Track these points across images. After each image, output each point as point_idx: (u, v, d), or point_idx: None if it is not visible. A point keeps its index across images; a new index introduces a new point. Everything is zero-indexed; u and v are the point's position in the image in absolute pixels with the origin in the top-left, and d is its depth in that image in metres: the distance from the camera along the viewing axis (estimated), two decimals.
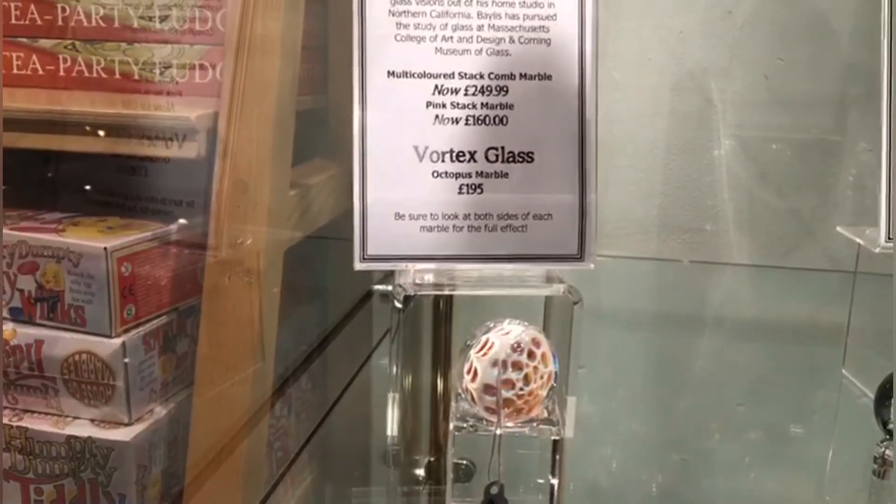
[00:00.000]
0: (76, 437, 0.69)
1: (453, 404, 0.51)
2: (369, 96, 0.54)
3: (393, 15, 0.54)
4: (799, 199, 0.95)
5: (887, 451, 0.50)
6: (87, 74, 0.74)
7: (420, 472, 0.92)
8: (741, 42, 0.93)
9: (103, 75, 0.73)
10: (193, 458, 0.73)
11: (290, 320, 0.84)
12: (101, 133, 0.72)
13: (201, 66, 0.72)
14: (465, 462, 0.75)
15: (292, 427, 0.93)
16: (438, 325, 0.89)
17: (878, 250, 0.58)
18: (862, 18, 0.90)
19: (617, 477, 0.96)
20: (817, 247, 0.95)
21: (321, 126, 0.93)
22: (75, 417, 0.71)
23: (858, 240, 0.64)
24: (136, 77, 0.72)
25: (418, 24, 0.54)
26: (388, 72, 0.54)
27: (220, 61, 0.69)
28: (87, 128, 0.71)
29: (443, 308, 0.74)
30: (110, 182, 0.82)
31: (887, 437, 0.51)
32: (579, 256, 0.56)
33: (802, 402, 0.95)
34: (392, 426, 0.53)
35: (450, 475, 0.48)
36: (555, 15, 0.55)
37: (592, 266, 0.55)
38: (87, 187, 0.83)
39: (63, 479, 0.70)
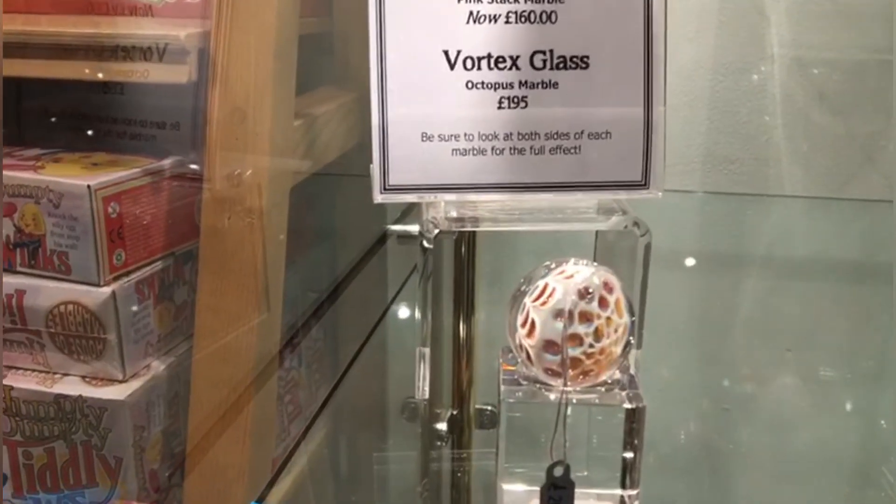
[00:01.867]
0: (66, 396, 0.64)
1: (503, 363, 0.42)
2: None
3: None
4: (860, 124, 0.86)
5: None
6: None
7: (443, 426, 0.86)
8: None
9: None
10: (196, 417, 0.69)
11: (298, 265, 0.79)
12: (86, 58, 0.65)
13: None
14: (489, 408, 0.68)
15: (303, 380, 0.89)
16: (460, 264, 0.82)
17: None
18: None
19: (656, 429, 0.90)
20: (878, 176, 0.86)
21: (327, 51, 0.87)
22: (64, 374, 0.66)
23: None
24: None
25: None
26: None
27: None
28: (72, 52, 0.65)
29: (465, 248, 0.66)
30: (93, 106, 0.75)
31: None
32: (644, 183, 0.47)
33: (857, 348, 0.88)
34: (421, 388, 0.45)
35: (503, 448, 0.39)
36: None
37: (660, 194, 0.46)
38: (70, 116, 0.77)
39: (53, 441, 0.65)
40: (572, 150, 0.46)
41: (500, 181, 0.46)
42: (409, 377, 0.70)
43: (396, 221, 0.84)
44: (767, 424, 0.90)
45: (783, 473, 0.84)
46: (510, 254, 0.86)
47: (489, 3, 0.45)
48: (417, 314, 0.46)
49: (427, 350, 0.44)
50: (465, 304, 0.83)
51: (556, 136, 0.46)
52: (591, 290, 0.38)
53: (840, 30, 0.84)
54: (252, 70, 0.65)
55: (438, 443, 0.83)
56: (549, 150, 0.46)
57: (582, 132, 0.46)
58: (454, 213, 0.47)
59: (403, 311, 0.85)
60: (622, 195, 0.47)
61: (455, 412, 0.83)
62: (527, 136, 0.46)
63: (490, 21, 0.45)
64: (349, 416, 0.91)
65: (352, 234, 0.93)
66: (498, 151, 0.46)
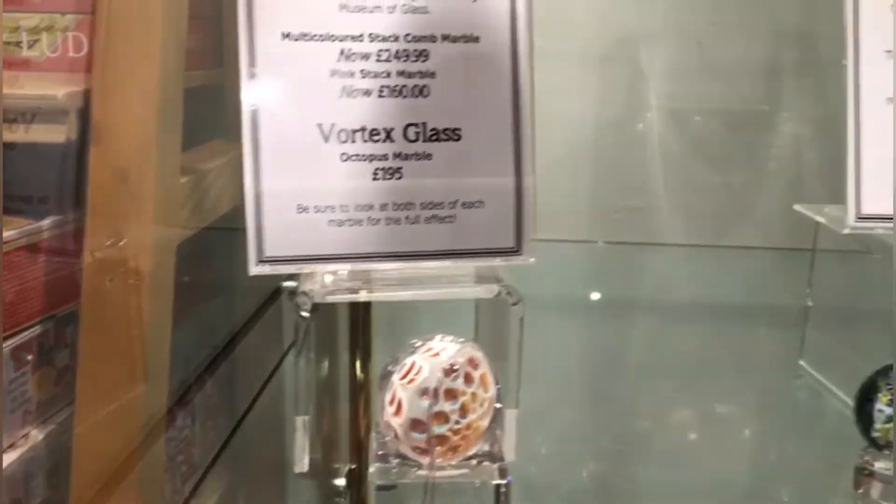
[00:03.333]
0: None
1: (373, 442, 0.43)
2: (261, 64, 0.45)
3: None
4: (734, 174, 0.91)
5: (873, 463, 0.45)
6: None
7: (341, 481, 0.85)
8: (672, 5, 0.87)
9: None
10: (79, 487, 0.66)
11: (188, 321, 0.77)
12: None
13: (75, 38, 0.63)
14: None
15: (197, 438, 0.86)
16: (356, 315, 0.82)
17: (846, 231, 0.52)
18: None
19: (550, 468, 0.91)
20: (753, 223, 0.91)
21: (217, 104, 0.86)
22: None
23: (819, 218, 0.59)
24: None
25: None
26: (283, 34, 0.45)
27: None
28: None
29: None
30: None
31: (869, 445, 0.45)
32: (516, 249, 0.48)
33: (741, 385, 0.91)
34: (301, 459, 0.44)
35: None
36: None
37: (532, 260, 0.48)
38: None
39: None
40: (447, 219, 0.47)
41: (376, 251, 0.47)
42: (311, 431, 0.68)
43: (290, 278, 0.83)
44: (660, 461, 0.93)
45: None
46: (409, 304, 0.86)
47: (362, 77, 0.46)
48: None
49: (306, 419, 0.44)
50: (361, 353, 0.83)
51: (430, 206, 0.47)
52: (456, 368, 0.39)
53: (713, 84, 0.89)
54: (134, 128, 0.64)
55: (337, 499, 0.82)
56: (425, 220, 0.47)
57: (456, 201, 0.47)
58: (330, 282, 0.47)
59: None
60: (496, 262, 0.48)
61: (353, 466, 0.82)
62: (402, 206, 0.47)
63: (363, 95, 0.46)
64: (246, 472, 0.89)
65: (245, 288, 0.91)
66: (374, 221, 0.46)
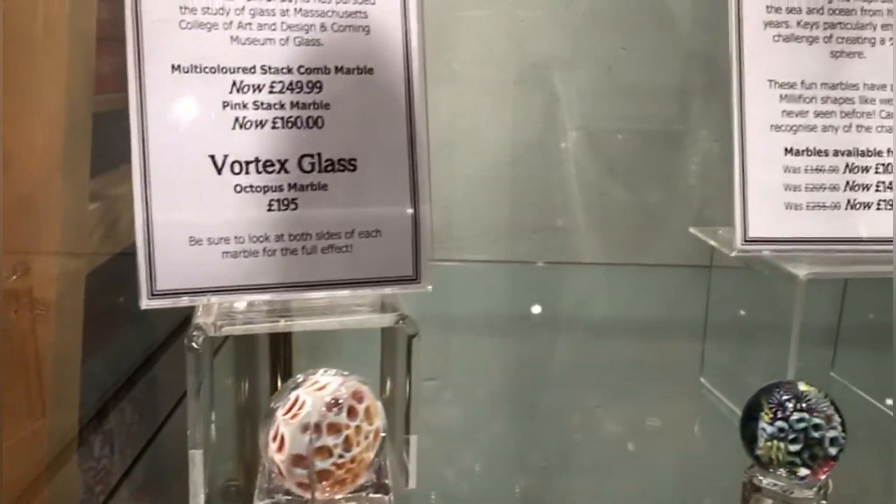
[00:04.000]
0: None
1: (259, 477, 0.42)
2: (150, 96, 0.44)
3: None
4: (647, 193, 0.93)
5: (757, 478, 0.46)
6: None
7: None
8: (583, 32, 0.89)
9: None
10: None
11: (98, 351, 0.75)
12: None
13: None
14: None
15: (116, 467, 0.84)
16: (276, 338, 0.81)
17: (734, 254, 0.54)
18: (701, 6, 0.89)
19: (475, 485, 0.92)
20: (667, 241, 0.93)
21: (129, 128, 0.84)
22: None
23: (712, 242, 0.61)
24: None
25: (208, 9, 0.45)
26: (173, 66, 0.45)
27: None
28: None
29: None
30: None
31: (755, 462, 0.47)
32: (414, 278, 0.48)
33: (661, 400, 0.93)
34: (197, 495, 0.44)
35: None
36: None
37: (430, 288, 0.48)
38: None
39: None
40: (344, 249, 0.47)
41: (272, 281, 0.46)
42: (231, 457, 0.68)
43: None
44: (583, 477, 0.94)
45: None
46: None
47: (255, 109, 0.46)
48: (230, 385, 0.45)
49: (199, 453, 0.43)
50: (282, 379, 0.82)
51: (327, 236, 0.47)
52: (340, 402, 0.39)
53: (624, 106, 0.91)
54: (40, 154, 0.63)
55: None
56: (322, 250, 0.47)
57: (353, 231, 0.47)
58: (242, 307, 0.47)
59: (222, 382, 0.83)
60: (395, 290, 0.48)
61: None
62: (298, 237, 0.47)
63: (257, 126, 0.46)
64: (166, 500, 0.87)
65: (158, 313, 0.90)
66: (270, 252, 0.46)
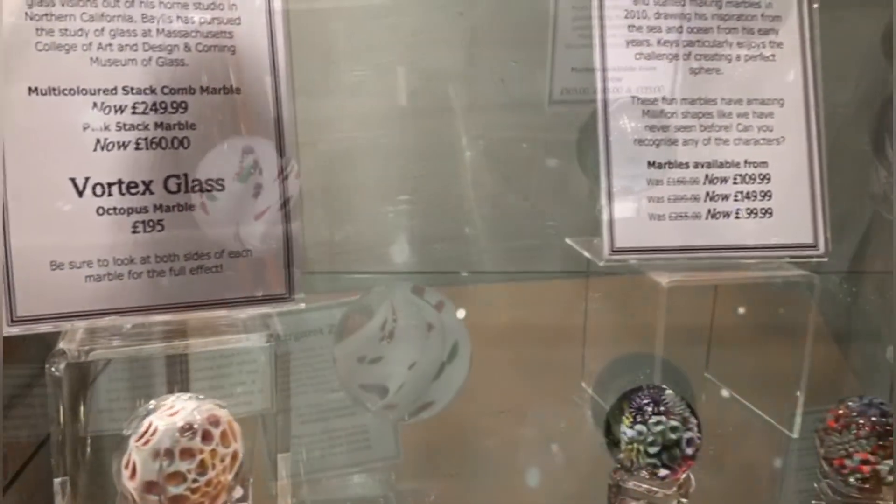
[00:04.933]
0: None
1: None
2: (6, 120, 0.43)
3: (31, 18, 0.44)
4: (543, 202, 0.95)
5: (622, 480, 0.48)
6: None
7: None
8: (475, 44, 0.90)
9: None
10: None
11: None
12: None
13: None
14: None
15: None
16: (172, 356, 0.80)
17: (602, 264, 0.56)
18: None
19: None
20: (562, 249, 0.95)
21: None
22: None
23: (585, 252, 0.63)
24: None
25: (66, 30, 0.45)
26: (30, 88, 0.44)
27: None
28: None
29: None
30: None
31: (618, 465, 0.49)
32: (288, 295, 0.49)
33: (558, 408, 0.95)
34: None
35: None
36: (238, 18, 0.48)
37: (303, 305, 0.48)
38: None
39: None
40: (213, 269, 0.47)
41: (139, 304, 0.46)
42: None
43: None
44: (492, 485, 0.95)
45: None
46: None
47: (117, 130, 0.45)
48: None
49: (62, 481, 0.43)
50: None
51: (196, 257, 0.47)
52: (193, 426, 0.39)
53: (516, 116, 0.93)
54: None
55: None
56: (190, 271, 0.47)
57: (222, 251, 0.47)
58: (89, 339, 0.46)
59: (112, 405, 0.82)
60: (267, 309, 0.49)
61: None
62: (165, 259, 0.46)
63: (119, 148, 0.45)
64: None
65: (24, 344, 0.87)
66: (135, 275, 0.46)
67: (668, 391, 0.48)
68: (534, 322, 0.94)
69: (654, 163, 0.56)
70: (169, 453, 0.37)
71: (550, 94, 0.87)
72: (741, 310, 0.71)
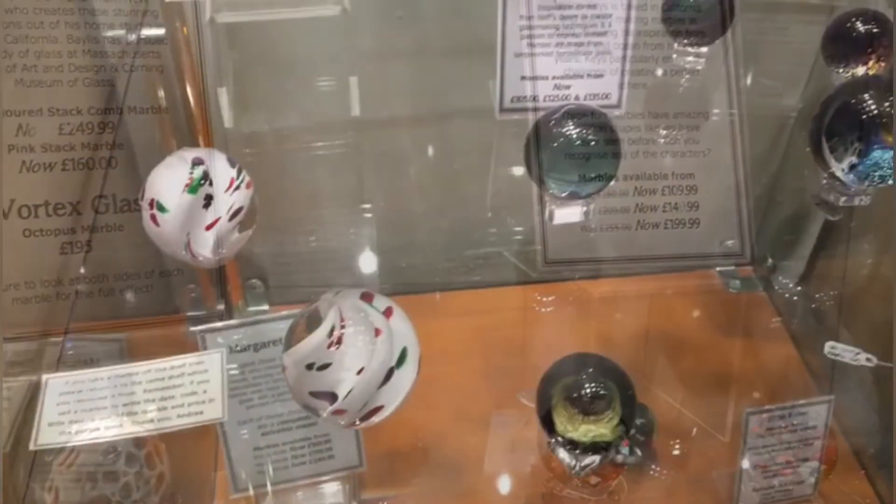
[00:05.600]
0: None
1: None
2: None
3: None
4: (494, 212, 0.95)
5: (556, 488, 0.49)
6: None
7: None
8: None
9: None
10: None
11: None
12: None
13: None
14: None
15: None
16: None
17: (535, 275, 0.57)
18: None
19: None
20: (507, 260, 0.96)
21: None
22: None
23: (521, 265, 0.64)
24: None
25: None
26: None
27: None
28: None
29: None
30: None
31: (552, 475, 0.49)
32: (223, 312, 0.49)
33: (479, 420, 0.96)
34: None
35: None
36: (165, 38, 0.48)
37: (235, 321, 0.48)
38: None
39: None
40: (144, 289, 0.47)
41: (67, 325, 0.46)
42: None
43: None
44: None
45: None
46: None
47: (43, 151, 0.45)
48: None
49: None
50: None
51: (125, 277, 0.47)
52: (118, 449, 0.39)
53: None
54: None
55: None
56: (120, 291, 0.47)
57: (153, 271, 0.47)
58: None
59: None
60: (202, 326, 0.48)
61: None
62: (95, 279, 0.46)
63: (45, 169, 0.45)
64: None
65: None
66: (63, 296, 0.45)
67: (602, 400, 0.49)
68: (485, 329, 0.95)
69: (584, 176, 0.57)
70: (91, 477, 0.37)
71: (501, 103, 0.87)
72: (673, 315, 0.72)
